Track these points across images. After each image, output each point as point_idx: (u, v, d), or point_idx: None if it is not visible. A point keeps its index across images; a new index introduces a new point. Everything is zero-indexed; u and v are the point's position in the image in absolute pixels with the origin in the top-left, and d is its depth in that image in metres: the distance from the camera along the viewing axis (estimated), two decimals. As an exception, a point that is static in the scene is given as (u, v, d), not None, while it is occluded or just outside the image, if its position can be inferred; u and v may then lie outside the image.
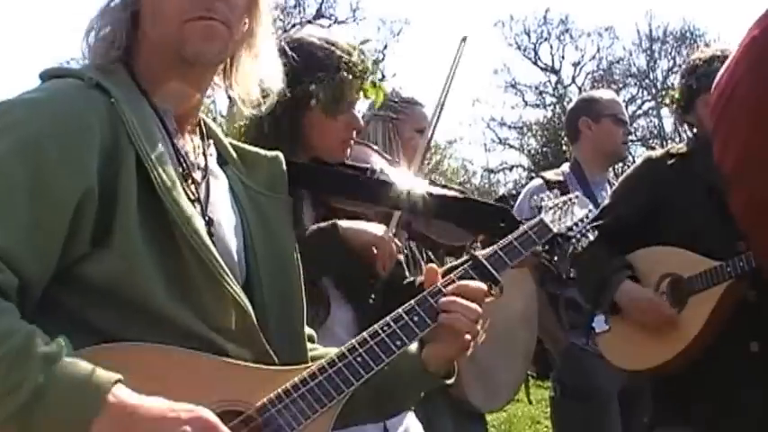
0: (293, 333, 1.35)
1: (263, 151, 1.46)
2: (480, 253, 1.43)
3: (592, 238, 1.72)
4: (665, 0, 34.24)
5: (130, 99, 1.23)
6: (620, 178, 2.96)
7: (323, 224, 1.87)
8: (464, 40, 2.13)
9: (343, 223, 1.85)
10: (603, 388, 3.19)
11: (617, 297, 2.61)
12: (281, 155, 1.46)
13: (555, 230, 1.55)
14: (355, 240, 1.84)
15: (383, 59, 21.71)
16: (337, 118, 1.95)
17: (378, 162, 2.07)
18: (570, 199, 1.70)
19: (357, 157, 2.05)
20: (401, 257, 2.08)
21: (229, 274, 1.23)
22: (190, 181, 1.28)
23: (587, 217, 1.68)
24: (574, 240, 1.66)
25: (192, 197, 1.26)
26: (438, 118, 2.25)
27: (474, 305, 1.34)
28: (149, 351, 1.14)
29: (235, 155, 1.42)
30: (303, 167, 1.53)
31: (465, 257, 2.05)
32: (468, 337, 1.33)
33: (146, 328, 1.15)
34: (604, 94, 3.85)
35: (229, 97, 1.41)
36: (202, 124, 1.39)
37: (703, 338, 2.49)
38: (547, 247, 1.61)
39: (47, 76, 1.26)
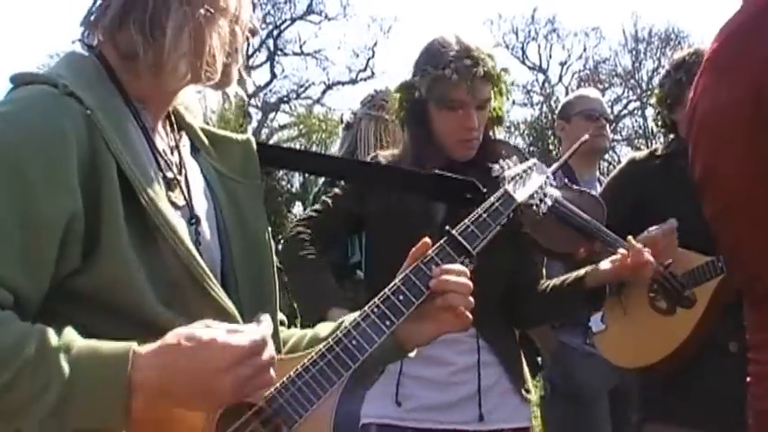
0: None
1: (233, 135, 1.44)
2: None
3: (550, 203, 1.75)
4: (650, 2, 34.49)
5: (104, 98, 1.19)
6: (606, 180, 2.99)
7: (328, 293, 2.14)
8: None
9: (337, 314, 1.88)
10: (593, 387, 3.20)
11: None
12: (251, 138, 1.44)
13: (519, 200, 1.59)
14: None
15: (373, 56, 21.73)
16: (451, 115, 2.08)
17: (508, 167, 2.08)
18: (529, 167, 1.75)
19: (496, 153, 2.10)
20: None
21: (214, 280, 1.23)
22: (174, 183, 1.26)
23: (545, 183, 1.74)
24: (534, 207, 1.71)
25: (180, 204, 1.25)
26: None
27: (463, 279, 1.35)
28: None
29: (206, 140, 1.39)
30: (268, 149, 1.53)
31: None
32: (464, 311, 1.35)
33: (140, 335, 1.13)
34: (579, 92, 3.92)
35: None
36: (172, 114, 1.35)
37: (699, 334, 2.49)
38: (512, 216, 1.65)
39: (19, 80, 1.21)
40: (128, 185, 1.16)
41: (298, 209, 16.85)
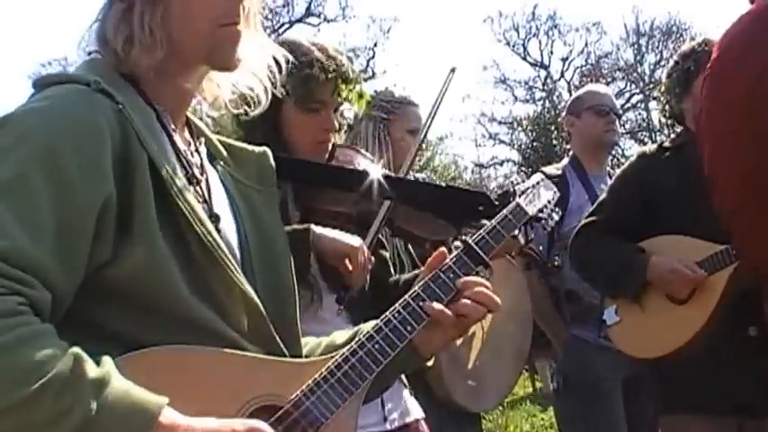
0: (287, 325, 1.35)
1: (250, 146, 1.47)
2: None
3: (557, 218, 1.80)
4: (651, -6, 34.37)
5: (130, 99, 1.22)
6: (616, 174, 2.99)
7: (297, 226, 1.88)
8: (453, 71, 2.19)
9: (318, 229, 1.87)
10: (606, 379, 3.20)
11: (649, 273, 2.61)
12: (268, 150, 1.48)
13: (530, 213, 1.66)
14: (327, 248, 1.86)
15: (373, 57, 21.74)
16: (310, 116, 2.02)
17: (362, 162, 2.11)
18: (538, 182, 1.81)
19: (343, 159, 2.10)
20: (386, 254, 2.13)
21: (240, 272, 1.25)
22: (195, 181, 1.29)
23: (553, 198, 1.80)
24: (543, 222, 1.76)
25: (199, 198, 1.28)
26: (422, 140, 2.33)
27: (484, 289, 1.40)
28: (181, 353, 1.16)
29: (224, 151, 1.42)
30: (282, 160, 1.55)
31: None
32: (467, 320, 1.39)
33: (171, 328, 1.15)
34: (588, 88, 3.92)
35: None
36: (190, 121, 1.39)
37: (714, 322, 2.49)
38: (523, 230, 1.72)
39: (44, 83, 1.22)
40: (157, 179, 1.17)
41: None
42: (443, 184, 2.03)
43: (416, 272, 2.16)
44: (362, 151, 2.25)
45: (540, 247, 3.28)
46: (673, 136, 2.86)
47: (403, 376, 2.12)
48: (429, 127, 2.22)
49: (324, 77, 1.99)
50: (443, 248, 1.42)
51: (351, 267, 1.84)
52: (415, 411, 2.10)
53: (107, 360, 1.06)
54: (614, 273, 2.70)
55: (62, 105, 1.16)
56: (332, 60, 2.02)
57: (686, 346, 2.52)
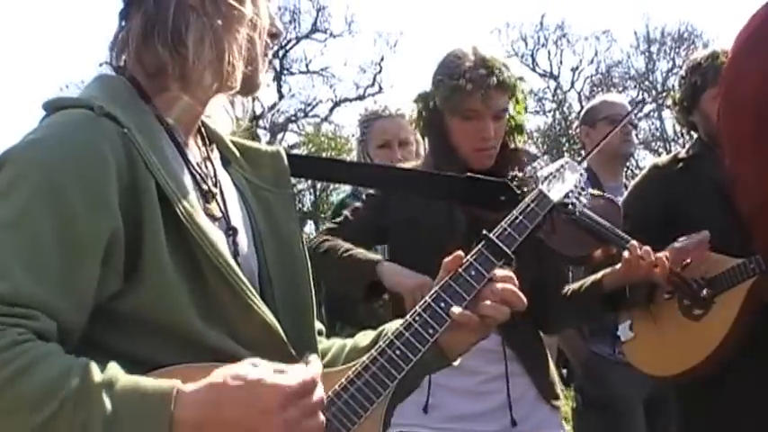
0: (303, 330, 1.33)
1: (263, 146, 1.44)
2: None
3: (585, 202, 1.71)
4: (661, 1, 34.40)
5: (137, 115, 1.20)
6: (629, 188, 2.97)
7: (370, 256, 2.09)
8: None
9: (387, 264, 2.05)
10: (626, 397, 3.17)
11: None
12: (281, 149, 1.44)
13: (555, 200, 1.57)
14: (388, 283, 2.05)
15: (380, 71, 21.79)
16: (466, 124, 2.11)
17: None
18: (562, 165, 1.72)
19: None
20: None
21: (254, 291, 1.22)
22: (210, 196, 1.27)
23: (579, 181, 1.70)
24: (570, 206, 1.67)
25: (216, 214, 1.26)
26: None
27: (510, 285, 1.37)
28: (198, 371, 1.11)
29: (237, 152, 1.39)
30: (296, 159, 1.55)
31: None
32: (490, 320, 1.35)
33: (181, 352, 1.14)
34: (603, 97, 3.91)
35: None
36: (202, 127, 1.36)
37: (732, 339, 2.45)
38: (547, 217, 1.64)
39: (52, 107, 1.21)
40: (166, 203, 1.16)
41: (309, 228, 16.92)
42: (461, 176, 1.99)
43: (591, 280, 2.27)
44: (537, 156, 2.36)
45: None
46: (687, 147, 2.84)
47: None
48: None
49: (470, 88, 2.05)
50: (459, 252, 1.37)
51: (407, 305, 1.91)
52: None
53: (112, 363, 1.06)
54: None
55: (65, 136, 1.14)
56: (481, 70, 2.07)
57: (703, 364, 2.47)
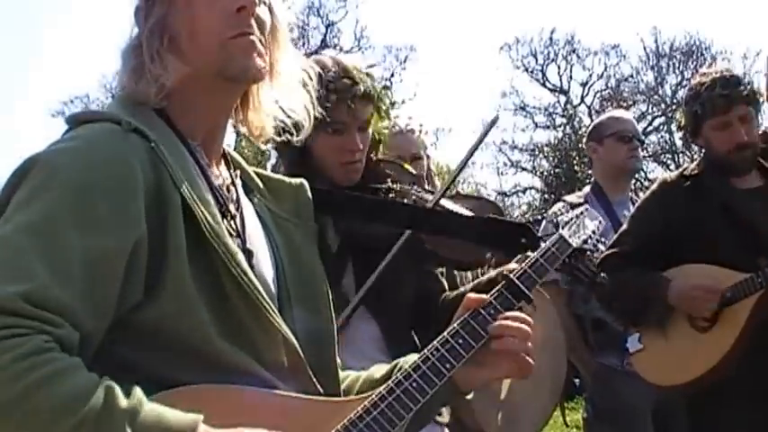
0: (324, 362, 1.33)
1: (287, 179, 1.45)
2: (510, 272, 1.45)
3: (603, 248, 1.76)
4: (669, 15, 34.43)
5: (162, 137, 1.21)
6: (637, 203, 2.99)
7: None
8: (495, 121, 2.25)
9: None
10: (635, 407, 3.17)
11: (670, 297, 2.61)
12: (305, 182, 1.46)
13: (574, 245, 1.60)
14: None
15: (390, 87, 21.80)
16: (334, 138, 1.95)
17: (405, 181, 2.08)
18: (582, 212, 1.76)
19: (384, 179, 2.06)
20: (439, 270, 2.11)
21: (275, 310, 1.23)
22: (229, 217, 1.27)
23: (598, 229, 1.74)
24: (588, 252, 1.72)
25: (233, 233, 1.26)
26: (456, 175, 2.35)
27: (522, 325, 1.36)
28: (216, 392, 1.15)
29: (260, 183, 1.40)
30: (322, 194, 1.53)
31: (495, 276, 2.03)
32: (525, 357, 1.36)
33: (201, 369, 1.14)
34: (610, 114, 3.93)
35: (237, 133, 1.40)
36: (227, 154, 1.37)
37: (738, 351, 2.50)
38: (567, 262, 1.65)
39: (76, 121, 1.23)
40: (190, 217, 1.16)
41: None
42: (483, 217, 1.97)
43: (474, 283, 2.15)
44: (404, 165, 2.22)
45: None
46: (694, 164, 2.87)
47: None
48: (462, 168, 2.22)
49: (335, 98, 1.91)
50: (483, 295, 1.38)
51: None
52: None
53: (137, 390, 1.05)
54: (637, 302, 2.70)
55: (93, 146, 1.15)
56: (345, 80, 1.95)
57: (709, 375, 2.52)
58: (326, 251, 1.84)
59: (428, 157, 2.97)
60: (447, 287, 2.17)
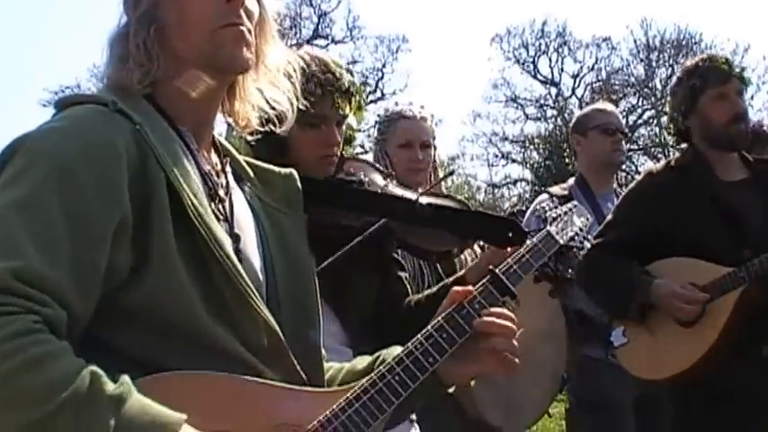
0: (309, 351, 1.34)
1: (276, 168, 1.46)
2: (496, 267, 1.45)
3: (589, 246, 1.75)
4: (660, 9, 34.48)
5: (151, 121, 1.22)
6: (623, 194, 2.99)
7: None
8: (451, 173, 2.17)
9: None
10: (618, 399, 3.19)
11: (652, 296, 2.62)
12: (294, 172, 1.46)
13: (561, 242, 1.60)
14: None
15: (382, 77, 21.78)
16: (312, 132, 1.96)
17: (377, 179, 2.08)
18: (570, 209, 1.76)
19: (353, 171, 2.07)
20: (402, 274, 2.10)
21: (258, 296, 1.23)
22: (217, 200, 1.28)
23: (585, 225, 1.74)
24: (575, 249, 1.70)
25: (220, 216, 1.27)
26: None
27: (508, 323, 1.36)
28: (199, 379, 1.15)
29: (250, 172, 1.41)
30: (313, 183, 1.55)
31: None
32: (509, 355, 1.36)
33: (188, 351, 1.15)
34: (594, 106, 3.90)
35: (228, 124, 1.40)
36: (217, 142, 1.38)
37: (721, 344, 2.52)
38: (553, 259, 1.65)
39: (64, 104, 1.24)
40: (175, 197, 1.17)
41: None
42: (471, 210, 1.97)
43: (439, 286, 2.12)
44: (377, 166, 2.22)
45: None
46: (678, 155, 2.87)
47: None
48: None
49: (320, 93, 1.94)
50: (470, 286, 1.39)
51: None
52: None
53: (125, 378, 1.06)
54: (618, 296, 2.72)
55: (79, 126, 1.16)
56: (329, 74, 1.97)
57: (692, 369, 2.54)
58: None
59: (435, 147, 2.98)
60: (410, 292, 2.15)
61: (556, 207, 1.79)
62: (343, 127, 2.04)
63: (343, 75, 2.01)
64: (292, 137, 1.92)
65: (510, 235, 1.81)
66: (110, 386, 1.03)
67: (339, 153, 2.05)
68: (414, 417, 2.09)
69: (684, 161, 2.78)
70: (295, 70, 1.41)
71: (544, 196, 3.57)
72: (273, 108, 1.38)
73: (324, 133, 1.99)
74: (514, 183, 23.16)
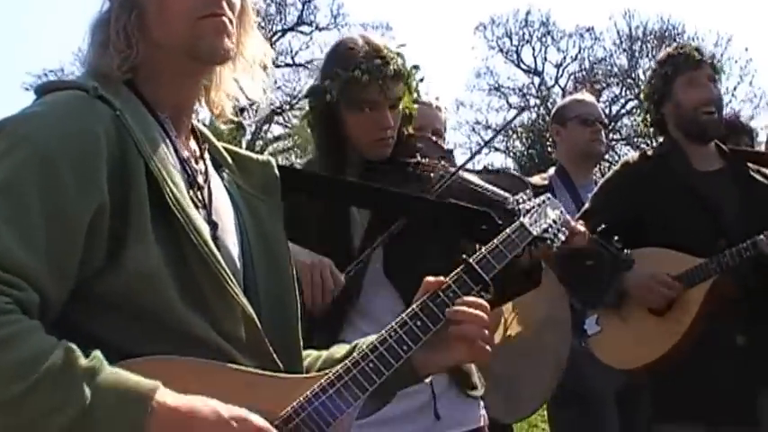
0: (287, 338, 1.35)
1: (254, 155, 1.47)
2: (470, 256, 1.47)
3: (563, 238, 1.76)
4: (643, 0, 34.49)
5: (130, 107, 1.23)
6: (599, 183, 3.00)
7: None
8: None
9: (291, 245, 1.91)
10: (599, 389, 3.21)
11: (624, 284, 2.64)
12: (272, 159, 1.48)
13: (534, 233, 1.62)
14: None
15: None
16: (364, 116, 2.03)
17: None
18: (543, 201, 1.78)
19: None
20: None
21: (235, 283, 1.24)
22: (196, 187, 1.29)
23: (559, 218, 1.75)
24: (548, 242, 1.71)
25: (198, 203, 1.27)
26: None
27: (480, 312, 1.37)
28: (171, 365, 1.15)
29: (229, 158, 1.42)
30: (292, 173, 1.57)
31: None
32: (481, 344, 1.37)
33: (163, 339, 1.16)
34: (573, 97, 3.91)
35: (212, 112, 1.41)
36: (195, 129, 1.39)
37: (692, 334, 2.56)
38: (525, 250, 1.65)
39: (44, 90, 1.25)
40: (154, 185, 1.17)
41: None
42: (445, 202, 1.98)
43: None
44: (437, 143, 2.30)
45: None
46: (656, 145, 2.90)
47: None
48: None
49: (366, 79, 1.99)
50: (442, 278, 1.40)
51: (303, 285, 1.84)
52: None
53: (97, 352, 1.07)
54: (590, 284, 2.74)
55: (58, 112, 1.16)
56: (377, 59, 2.01)
57: (664, 358, 2.58)
58: (352, 226, 1.99)
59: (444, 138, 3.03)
60: None
61: (529, 199, 1.81)
62: (400, 108, 2.09)
63: (394, 59, 2.05)
64: (345, 120, 2.05)
65: (483, 227, 1.83)
66: (83, 360, 1.05)
67: (395, 134, 2.09)
68: (478, 393, 2.14)
69: (661, 151, 2.81)
70: (273, 62, 1.42)
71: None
72: (249, 99, 1.40)
73: (374, 117, 2.04)
74: (497, 171, 23.15)
